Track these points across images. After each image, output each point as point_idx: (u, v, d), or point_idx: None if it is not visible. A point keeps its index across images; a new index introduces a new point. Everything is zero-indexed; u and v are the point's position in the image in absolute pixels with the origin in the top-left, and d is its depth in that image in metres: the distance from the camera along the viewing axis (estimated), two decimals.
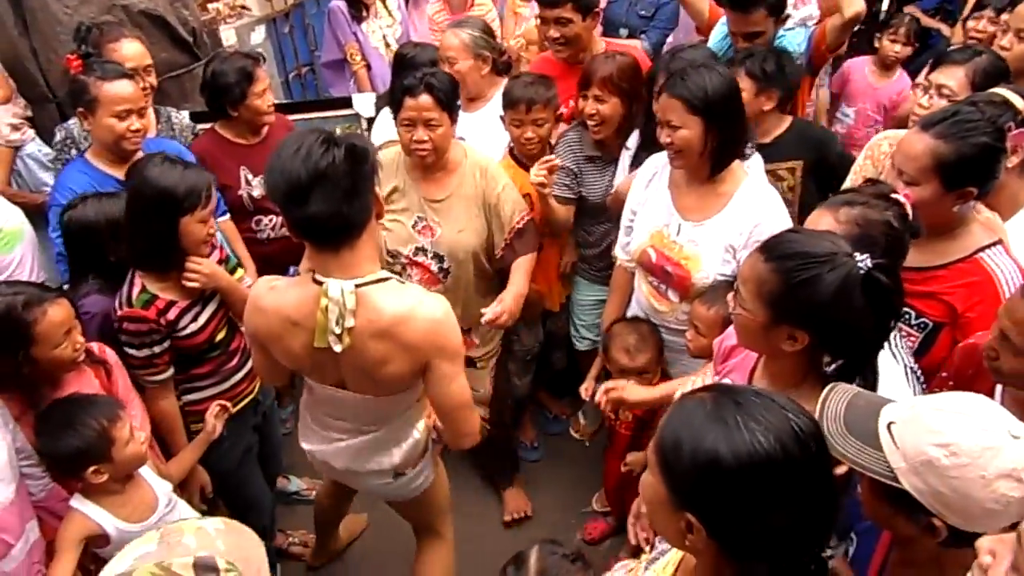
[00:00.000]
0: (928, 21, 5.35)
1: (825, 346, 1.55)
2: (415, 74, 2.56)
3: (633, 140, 2.87)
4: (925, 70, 2.86)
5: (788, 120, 2.88)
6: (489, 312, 2.62)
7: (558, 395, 3.72)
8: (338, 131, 3.57)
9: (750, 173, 2.43)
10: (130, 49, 2.97)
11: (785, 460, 1.01)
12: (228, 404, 2.52)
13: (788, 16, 3.10)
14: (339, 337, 1.77)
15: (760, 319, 1.55)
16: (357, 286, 1.76)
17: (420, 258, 2.72)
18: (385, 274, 1.85)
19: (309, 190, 1.64)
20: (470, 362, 2.84)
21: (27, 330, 1.95)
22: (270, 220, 3.18)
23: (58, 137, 3.00)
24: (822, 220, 1.81)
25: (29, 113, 3.31)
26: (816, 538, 1.08)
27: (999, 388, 1.71)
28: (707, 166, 2.29)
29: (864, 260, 1.45)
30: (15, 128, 3.19)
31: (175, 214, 2.19)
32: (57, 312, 2.00)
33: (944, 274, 1.99)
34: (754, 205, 2.30)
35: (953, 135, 1.88)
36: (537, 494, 3.40)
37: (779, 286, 1.51)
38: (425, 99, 2.48)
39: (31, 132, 3.23)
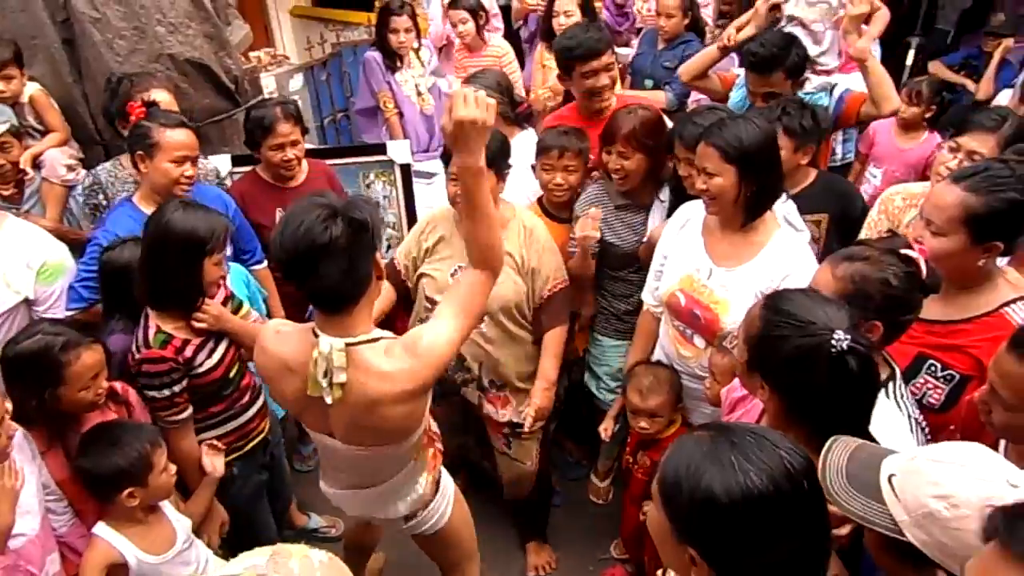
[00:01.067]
0: (952, 76, 5.42)
1: (792, 408, 1.57)
2: None
3: (666, 192, 2.92)
4: (949, 133, 2.92)
5: (814, 173, 2.90)
6: (526, 422, 2.73)
7: (579, 441, 3.73)
8: (372, 176, 3.77)
9: (783, 223, 2.47)
10: (159, 98, 3.07)
11: (778, 497, 1.06)
12: (218, 443, 2.54)
13: (807, 79, 3.14)
14: (329, 390, 1.81)
15: (742, 359, 1.64)
16: (348, 344, 1.80)
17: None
18: (378, 334, 1.88)
19: (310, 264, 1.70)
20: (514, 432, 2.89)
21: (60, 370, 2.04)
22: None
23: (87, 181, 3.10)
24: (821, 275, 1.86)
25: (81, 155, 3.46)
26: (812, 570, 1.11)
27: (1003, 444, 1.71)
28: (741, 214, 2.32)
29: (842, 341, 1.47)
30: (70, 168, 3.34)
31: (200, 256, 2.28)
32: (90, 356, 2.10)
33: (970, 328, 2.01)
34: (786, 255, 2.32)
35: (984, 188, 1.92)
36: (556, 540, 3.39)
37: (757, 333, 1.59)
38: None
39: (84, 172, 3.38)
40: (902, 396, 1.83)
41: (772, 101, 2.98)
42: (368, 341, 1.84)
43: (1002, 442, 1.70)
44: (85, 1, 3.29)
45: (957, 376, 2.03)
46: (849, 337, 1.48)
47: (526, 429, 2.75)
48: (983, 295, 2.02)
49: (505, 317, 2.74)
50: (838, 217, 2.82)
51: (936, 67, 5.68)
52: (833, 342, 1.47)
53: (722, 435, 1.14)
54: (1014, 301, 2.00)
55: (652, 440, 2.75)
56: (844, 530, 1.51)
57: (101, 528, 2.13)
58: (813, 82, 3.17)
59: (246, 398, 2.62)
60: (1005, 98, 4.28)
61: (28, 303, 2.56)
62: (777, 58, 3.01)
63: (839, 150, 4.44)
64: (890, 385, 1.81)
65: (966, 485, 1.17)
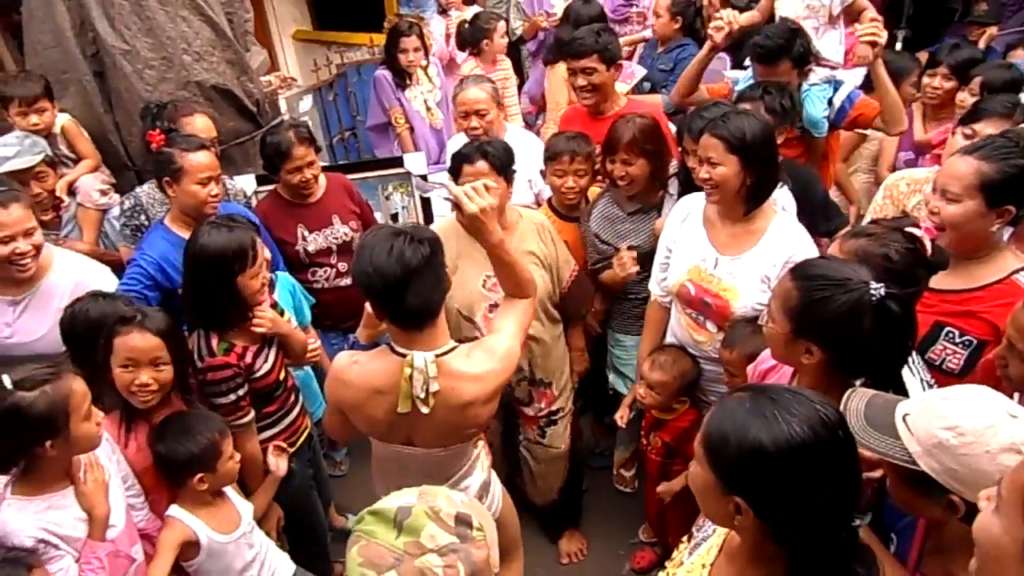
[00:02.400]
0: None
1: (840, 363, 1.70)
2: (472, 143, 2.83)
3: (675, 186, 3.06)
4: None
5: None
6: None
7: (605, 431, 3.86)
8: (390, 188, 3.93)
9: (779, 206, 2.62)
10: (201, 123, 3.25)
11: (817, 444, 1.20)
12: (284, 444, 2.72)
13: (811, 69, 3.28)
14: (424, 401, 1.96)
15: (783, 331, 1.75)
16: (437, 356, 1.98)
17: (493, 314, 2.83)
18: (453, 343, 2.06)
19: (405, 286, 1.86)
20: (550, 420, 3.05)
21: (110, 339, 2.21)
22: (324, 272, 3.43)
23: (127, 204, 3.23)
24: (831, 250, 2.03)
25: (113, 180, 3.62)
26: (846, 510, 1.25)
27: (1016, 396, 1.85)
28: (742, 203, 2.46)
29: (878, 289, 1.63)
30: (103, 193, 3.51)
31: (231, 274, 2.41)
32: (138, 340, 2.23)
33: (983, 295, 2.16)
34: (787, 239, 2.46)
35: (996, 156, 2.09)
36: (586, 527, 3.52)
37: (799, 302, 1.71)
38: (482, 164, 2.70)
39: (117, 197, 3.54)
40: (914, 362, 1.97)
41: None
42: (451, 350, 2.01)
43: (1016, 395, 1.84)
44: (115, 35, 3.46)
45: (975, 341, 2.17)
46: (883, 285, 1.63)
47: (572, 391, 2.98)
48: (993, 264, 2.17)
49: (542, 311, 2.89)
50: (796, 200, 2.88)
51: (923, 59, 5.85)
52: (872, 292, 1.62)
53: (761, 393, 1.28)
54: (1022, 269, 2.16)
55: (662, 422, 2.91)
56: (876, 473, 1.65)
57: (175, 510, 2.28)
58: (818, 74, 3.31)
59: (292, 397, 2.79)
60: None
61: None
62: (783, 48, 3.16)
63: None
64: None
65: (971, 416, 1.33)
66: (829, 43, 3.59)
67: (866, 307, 1.63)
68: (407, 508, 1.20)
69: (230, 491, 2.44)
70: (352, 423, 2.20)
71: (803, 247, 2.45)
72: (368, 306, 2.19)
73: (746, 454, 1.22)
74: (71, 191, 3.50)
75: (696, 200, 2.66)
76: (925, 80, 3.74)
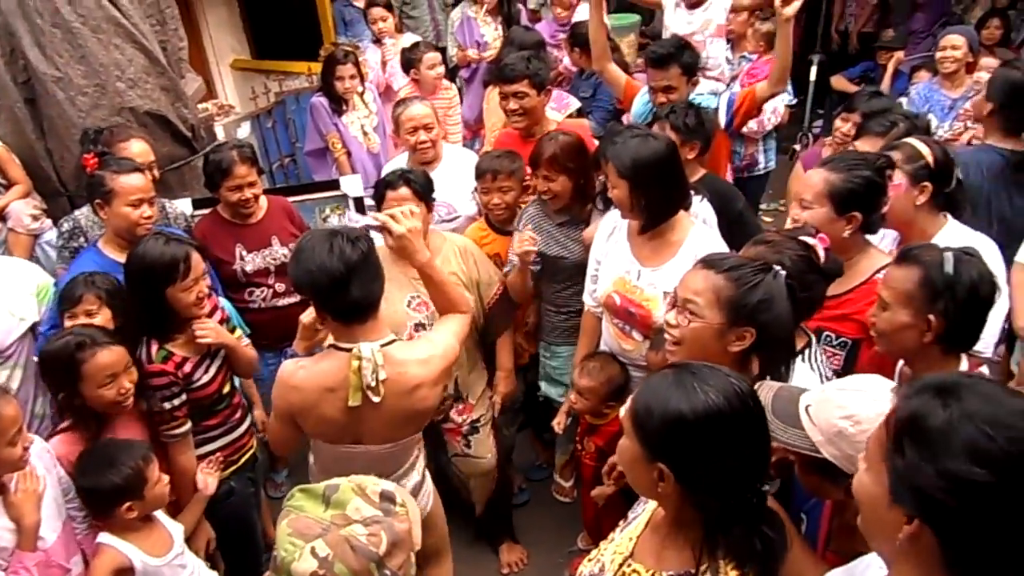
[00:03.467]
0: (852, 88, 5.93)
1: (762, 344, 1.82)
2: (394, 171, 2.93)
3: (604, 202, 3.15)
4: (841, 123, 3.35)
5: (702, 172, 3.21)
6: (495, 403, 3.06)
7: (543, 441, 3.96)
8: (327, 211, 3.99)
9: (697, 218, 2.78)
10: (137, 147, 3.27)
11: (732, 413, 1.33)
12: (219, 460, 2.73)
13: (698, 81, 3.53)
14: (375, 390, 2.05)
15: (716, 324, 1.81)
16: (382, 346, 2.08)
17: (420, 332, 2.87)
18: (392, 336, 2.18)
19: (348, 280, 1.99)
20: (473, 428, 3.12)
21: (77, 368, 2.23)
22: (262, 292, 3.46)
23: (65, 227, 3.24)
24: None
25: (44, 206, 3.62)
26: (756, 475, 1.37)
27: (900, 364, 2.09)
28: (642, 220, 2.60)
29: (780, 272, 1.79)
30: (35, 218, 3.50)
31: (160, 285, 2.45)
32: (106, 356, 2.28)
33: (851, 297, 2.34)
34: (704, 250, 2.53)
35: (842, 168, 2.31)
36: (526, 538, 3.59)
37: (735, 291, 1.80)
38: (404, 191, 2.81)
39: (48, 222, 3.53)
40: (817, 360, 2.13)
41: (672, 94, 3.37)
42: (391, 342, 2.13)
43: (900, 363, 2.05)
44: (47, 62, 3.47)
45: (849, 341, 2.36)
46: (778, 268, 1.81)
47: (497, 414, 3.06)
48: (858, 266, 2.35)
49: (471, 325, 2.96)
50: (715, 213, 2.99)
51: (838, 80, 6.21)
52: (779, 273, 1.80)
53: (682, 369, 1.41)
54: (883, 268, 2.32)
55: (595, 427, 3.00)
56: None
57: (106, 537, 2.25)
58: (704, 86, 3.58)
59: (237, 415, 2.82)
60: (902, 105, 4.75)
61: (33, 328, 2.72)
62: (672, 55, 3.41)
63: (761, 159, 4.88)
64: (807, 351, 2.11)
65: (866, 405, 1.47)
66: (715, 53, 3.84)
67: (783, 285, 1.79)
68: (335, 485, 1.28)
69: (159, 513, 2.42)
70: (296, 432, 2.26)
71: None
72: (303, 318, 2.27)
73: (669, 422, 1.33)
74: (1, 217, 3.49)
75: (620, 216, 2.80)
76: (837, 123, 3.89)
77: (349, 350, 2.07)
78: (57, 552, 2.14)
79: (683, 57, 3.42)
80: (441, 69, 5.03)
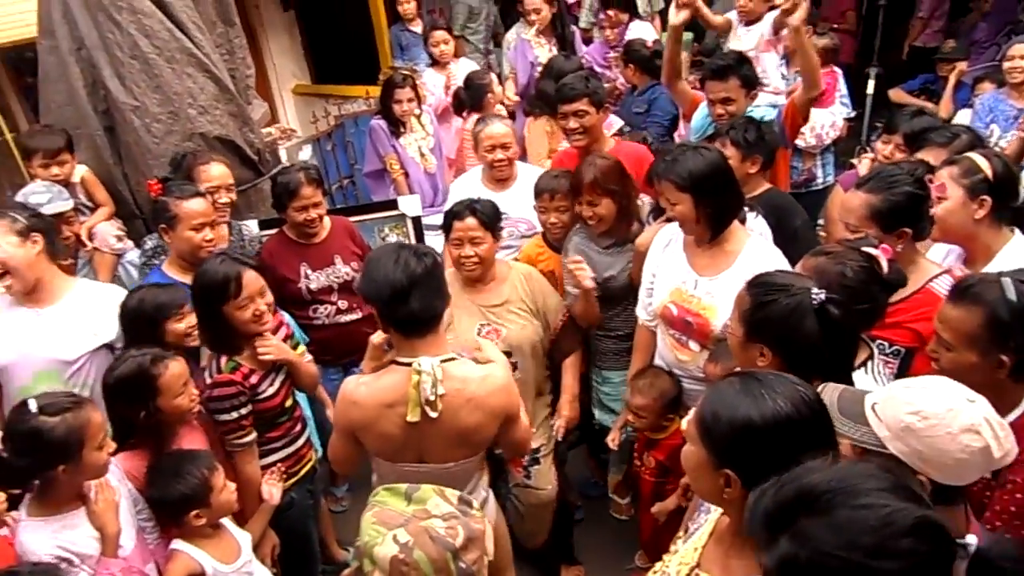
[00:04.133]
0: (913, 100, 5.83)
1: (792, 366, 1.80)
2: (462, 202, 2.99)
3: (650, 218, 3.20)
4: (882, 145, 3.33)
5: (765, 186, 3.22)
6: (558, 429, 3.06)
7: (597, 459, 3.96)
8: (387, 230, 4.10)
9: (753, 232, 2.79)
10: (217, 170, 3.41)
11: (800, 420, 1.35)
12: (281, 470, 2.81)
13: (756, 94, 3.55)
14: (432, 404, 2.07)
15: (738, 336, 1.91)
16: (442, 362, 2.12)
17: None
18: (453, 354, 2.22)
19: (409, 293, 2.05)
20: (533, 460, 3.13)
21: (154, 382, 2.34)
22: (325, 309, 3.56)
23: (149, 245, 3.41)
24: (796, 269, 2.19)
25: (125, 228, 3.80)
26: None
27: None
28: (706, 231, 2.63)
29: (819, 294, 1.79)
30: (119, 239, 3.69)
31: (216, 303, 2.56)
32: (176, 366, 2.39)
33: (904, 306, 2.32)
34: (760, 259, 2.60)
35: (880, 188, 2.31)
36: (584, 556, 3.60)
37: (749, 306, 1.88)
38: (471, 221, 2.87)
39: (131, 243, 3.72)
40: (879, 372, 2.12)
41: (730, 106, 3.39)
42: (451, 359, 2.16)
43: None
44: (125, 92, 3.66)
45: (903, 349, 2.35)
46: (824, 292, 1.80)
47: (559, 437, 3.07)
48: (911, 276, 2.32)
49: (533, 356, 3.03)
50: (773, 228, 3.00)
51: (896, 94, 6.10)
52: (812, 296, 1.79)
53: (748, 377, 1.44)
54: (936, 277, 2.35)
55: (655, 441, 3.01)
56: None
57: (179, 543, 2.35)
58: (762, 98, 3.59)
59: (298, 427, 2.91)
60: (965, 117, 4.66)
61: (109, 347, 2.85)
62: (731, 67, 3.45)
63: (819, 174, 4.84)
64: (869, 364, 2.11)
65: (933, 401, 1.49)
66: (768, 66, 3.83)
67: (807, 310, 1.79)
68: (416, 486, 1.33)
69: (227, 522, 2.51)
70: (357, 449, 2.29)
71: (776, 266, 2.55)
72: (373, 338, 2.32)
73: (737, 428, 1.36)
74: (88, 237, 3.69)
75: (676, 229, 2.81)
76: (879, 146, 3.83)
77: (409, 364, 2.11)
78: (135, 559, 2.24)
79: (742, 69, 3.46)
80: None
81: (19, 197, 3.44)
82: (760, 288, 1.88)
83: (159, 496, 2.33)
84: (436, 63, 5.78)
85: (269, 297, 2.67)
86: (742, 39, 4.39)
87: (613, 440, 3.20)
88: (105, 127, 3.80)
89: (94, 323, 2.82)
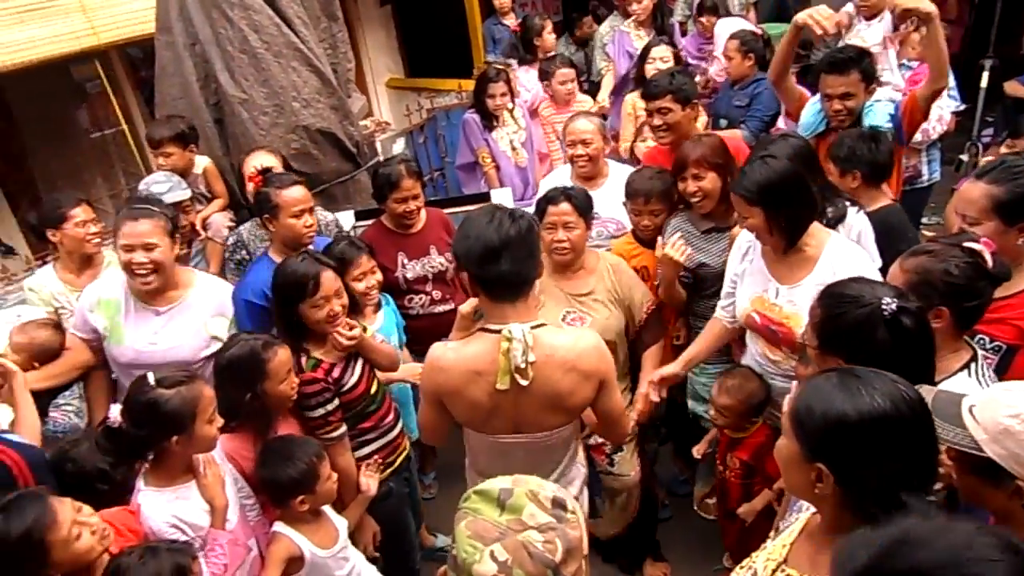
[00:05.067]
0: None
1: None
2: (556, 188, 3.01)
3: None
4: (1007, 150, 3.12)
5: (883, 201, 3.10)
6: (632, 420, 2.99)
7: (687, 460, 3.91)
8: None
9: (852, 232, 2.71)
10: (266, 162, 3.48)
11: (898, 418, 1.31)
12: (379, 462, 2.88)
13: (875, 89, 3.42)
14: (523, 372, 2.06)
15: (812, 346, 1.88)
16: (532, 327, 2.09)
17: None
18: (542, 320, 2.18)
19: (500, 253, 2.03)
20: (616, 447, 3.13)
21: (264, 366, 2.43)
22: (420, 299, 3.63)
23: (231, 240, 3.55)
24: (892, 269, 2.12)
25: (236, 219, 3.96)
26: (921, 482, 1.34)
27: None
28: (782, 241, 2.56)
29: (890, 304, 1.74)
30: (231, 229, 3.84)
31: (292, 301, 2.62)
32: (284, 353, 2.49)
33: (1013, 302, 2.23)
34: (842, 262, 2.52)
35: (1004, 179, 2.21)
36: (670, 554, 3.56)
37: (820, 318, 1.85)
38: (565, 206, 2.89)
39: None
40: (984, 375, 2.03)
41: (849, 100, 3.29)
42: (540, 325, 2.13)
43: None
44: (235, 85, 3.82)
45: (1004, 346, 2.25)
46: (896, 301, 1.74)
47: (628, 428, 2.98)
48: (1020, 272, 2.23)
49: (619, 343, 3.03)
50: (881, 249, 2.87)
51: (1012, 86, 5.77)
52: (883, 307, 1.74)
53: (846, 372, 1.41)
54: None
55: (737, 441, 2.97)
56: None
57: (281, 526, 2.44)
58: (880, 94, 3.46)
59: (390, 417, 2.96)
60: None
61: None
62: (853, 60, 3.33)
63: (925, 171, 4.64)
64: (972, 366, 2.02)
65: None
66: (890, 63, 3.68)
67: (878, 320, 1.74)
68: (508, 490, 1.33)
69: (327, 508, 2.58)
70: (445, 418, 2.27)
71: (860, 269, 2.47)
72: (463, 307, 2.35)
73: (831, 423, 1.34)
74: (203, 226, 3.87)
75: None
76: (1003, 150, 3.68)
77: (498, 331, 2.08)
78: (240, 533, 2.35)
79: (862, 63, 3.34)
80: (572, 85, 5.07)
81: (142, 186, 3.65)
82: (831, 300, 1.86)
83: (270, 477, 2.41)
84: (529, 60, 5.76)
85: (344, 299, 2.70)
86: (863, 34, 4.21)
87: (699, 451, 3.16)
88: (215, 119, 3.97)
89: (210, 325, 2.92)
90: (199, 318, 2.90)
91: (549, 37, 5.68)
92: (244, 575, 2.35)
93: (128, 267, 2.75)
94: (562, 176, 3.82)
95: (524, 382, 2.07)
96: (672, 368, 2.98)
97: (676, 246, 2.99)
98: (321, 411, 2.66)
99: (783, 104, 3.98)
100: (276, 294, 2.68)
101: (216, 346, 2.82)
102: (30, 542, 1.80)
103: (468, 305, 2.35)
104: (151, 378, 2.16)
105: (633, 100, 4.88)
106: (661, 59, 4.62)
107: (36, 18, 4.47)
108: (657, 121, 3.49)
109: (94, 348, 2.92)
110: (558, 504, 1.33)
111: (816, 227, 2.60)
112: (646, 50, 4.78)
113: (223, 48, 3.79)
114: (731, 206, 3.08)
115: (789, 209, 2.49)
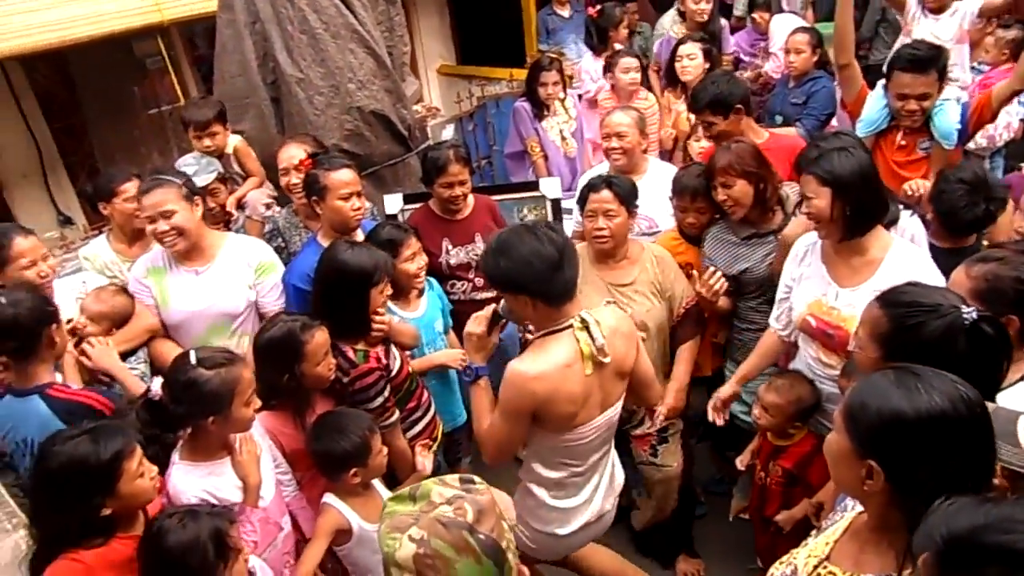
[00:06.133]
0: None
1: None
2: (599, 176, 3.02)
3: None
4: None
5: None
6: (659, 415, 3.05)
7: (722, 456, 3.88)
8: (525, 211, 4.15)
9: (905, 232, 2.67)
10: (295, 152, 3.47)
11: (956, 417, 1.28)
12: (430, 443, 2.93)
13: (943, 87, 3.33)
14: (602, 350, 2.20)
15: (873, 357, 1.82)
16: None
17: None
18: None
19: (562, 261, 2.14)
20: (662, 438, 3.15)
21: (301, 348, 2.46)
22: (462, 285, 3.66)
23: (266, 228, 3.59)
24: (956, 276, 2.06)
25: (275, 194, 4.02)
26: (976, 485, 1.30)
27: None
28: (839, 232, 2.50)
29: (971, 312, 1.68)
30: (267, 206, 3.91)
31: (367, 287, 2.66)
32: (321, 335, 2.51)
33: None
34: (907, 266, 2.47)
35: None
36: (704, 551, 3.55)
37: (889, 328, 1.79)
38: (606, 194, 2.90)
39: (279, 209, 3.93)
40: None
41: (926, 101, 3.22)
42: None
43: None
44: (292, 65, 3.87)
45: None
46: (974, 308, 1.70)
47: (659, 423, 3.07)
48: None
49: (658, 334, 3.03)
50: None
51: None
52: (964, 316, 1.69)
53: (904, 370, 1.38)
54: None
55: (781, 449, 2.91)
56: None
57: (330, 498, 2.47)
58: (948, 92, 3.35)
59: (425, 395, 3.01)
60: None
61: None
62: (933, 59, 3.23)
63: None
64: None
65: None
66: (961, 59, 3.57)
67: (959, 330, 1.69)
68: (417, 485, 1.37)
69: (376, 483, 2.62)
70: (525, 434, 2.34)
71: (923, 274, 2.43)
72: (471, 328, 2.39)
73: (885, 419, 1.32)
74: (240, 205, 3.93)
75: (812, 239, 2.72)
76: None
77: (563, 329, 2.20)
78: (273, 511, 2.38)
79: (940, 62, 3.25)
80: (636, 75, 4.99)
81: (176, 165, 3.72)
82: (901, 309, 1.79)
83: (324, 450, 2.44)
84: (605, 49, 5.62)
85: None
86: (933, 28, 4.09)
87: (742, 462, 3.12)
88: (272, 98, 4.03)
89: (248, 277, 3.04)
90: (236, 272, 3.01)
91: (624, 31, 5.64)
92: (275, 553, 2.39)
93: (155, 236, 2.89)
94: (602, 170, 3.79)
95: (606, 359, 2.22)
96: (729, 388, 3.02)
97: (712, 280, 2.99)
98: (380, 400, 2.69)
99: (842, 93, 3.88)
100: (346, 284, 2.67)
101: (253, 296, 3.00)
102: (112, 466, 1.89)
103: (478, 325, 2.38)
104: (193, 357, 2.20)
105: (669, 96, 4.87)
106: (689, 57, 4.57)
107: None
108: (705, 133, 3.51)
109: (155, 313, 3.03)
110: (466, 480, 1.37)
111: (880, 231, 2.56)
112: (676, 47, 4.72)
113: (283, 27, 3.84)
114: (768, 211, 3.11)
115: (858, 201, 2.45)
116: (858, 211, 2.46)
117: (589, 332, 2.20)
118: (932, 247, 2.86)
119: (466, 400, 3.45)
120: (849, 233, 2.51)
